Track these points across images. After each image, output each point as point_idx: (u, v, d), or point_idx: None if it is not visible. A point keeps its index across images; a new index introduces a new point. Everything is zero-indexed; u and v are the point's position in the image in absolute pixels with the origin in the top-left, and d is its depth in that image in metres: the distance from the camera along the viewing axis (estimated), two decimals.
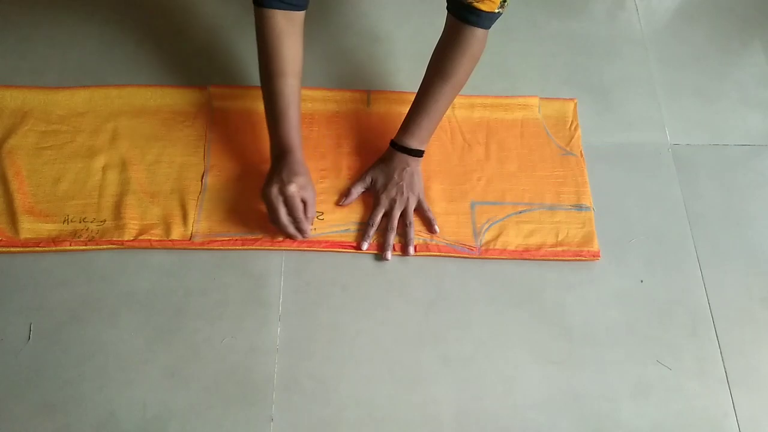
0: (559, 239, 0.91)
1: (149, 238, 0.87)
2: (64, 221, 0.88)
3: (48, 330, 0.81)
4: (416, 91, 0.89)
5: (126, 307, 0.83)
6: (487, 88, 1.04)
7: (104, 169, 0.92)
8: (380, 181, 0.91)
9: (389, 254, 0.88)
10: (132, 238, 0.86)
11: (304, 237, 0.86)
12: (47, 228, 0.87)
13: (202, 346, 0.82)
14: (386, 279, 0.88)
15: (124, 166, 0.92)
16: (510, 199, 0.94)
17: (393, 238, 0.89)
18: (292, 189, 0.80)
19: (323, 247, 0.89)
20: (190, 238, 0.87)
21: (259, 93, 0.93)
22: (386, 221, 0.90)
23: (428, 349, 0.83)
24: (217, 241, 0.87)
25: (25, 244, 0.85)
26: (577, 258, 0.90)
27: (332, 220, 0.91)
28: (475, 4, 0.78)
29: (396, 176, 0.90)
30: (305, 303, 0.86)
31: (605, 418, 0.80)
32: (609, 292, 0.89)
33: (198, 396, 0.79)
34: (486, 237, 0.91)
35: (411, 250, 0.88)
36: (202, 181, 0.92)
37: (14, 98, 0.97)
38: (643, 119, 1.05)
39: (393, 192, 0.89)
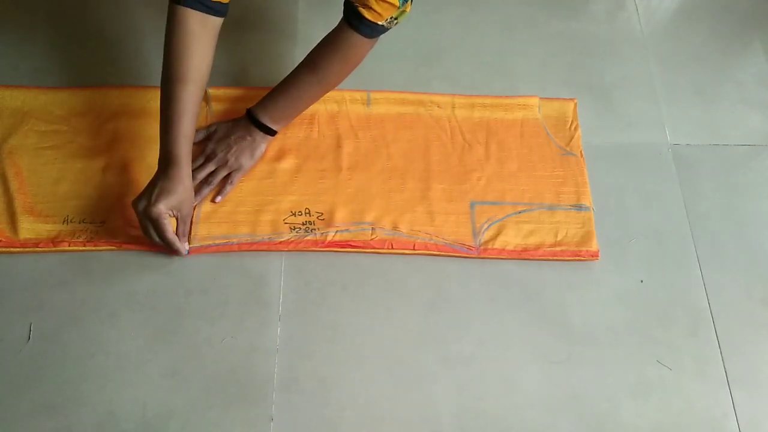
0: (558, 239, 0.91)
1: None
2: (64, 221, 0.88)
3: (48, 330, 0.81)
4: (416, 91, 0.89)
5: (126, 307, 0.83)
6: (487, 88, 1.04)
7: (104, 169, 0.92)
8: (219, 133, 0.92)
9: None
10: (130, 241, 0.86)
11: (180, 255, 0.85)
12: (47, 228, 0.87)
13: (202, 346, 0.82)
14: (386, 279, 0.88)
15: (123, 167, 0.92)
16: (510, 199, 0.94)
17: (207, 192, 0.90)
18: (157, 210, 0.77)
19: (323, 247, 0.89)
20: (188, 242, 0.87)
21: (258, 94, 0.93)
22: (206, 176, 0.90)
23: (428, 349, 0.83)
24: (214, 247, 0.87)
25: (25, 244, 0.85)
26: (576, 258, 0.90)
27: (332, 220, 0.91)
28: (361, 9, 0.76)
29: (233, 139, 0.90)
30: (305, 303, 0.86)
31: (605, 418, 0.80)
32: (609, 292, 0.89)
33: (198, 396, 0.79)
34: (485, 237, 0.91)
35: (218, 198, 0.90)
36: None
37: (14, 98, 0.97)
38: (643, 119, 1.05)
39: (226, 155, 0.90)
